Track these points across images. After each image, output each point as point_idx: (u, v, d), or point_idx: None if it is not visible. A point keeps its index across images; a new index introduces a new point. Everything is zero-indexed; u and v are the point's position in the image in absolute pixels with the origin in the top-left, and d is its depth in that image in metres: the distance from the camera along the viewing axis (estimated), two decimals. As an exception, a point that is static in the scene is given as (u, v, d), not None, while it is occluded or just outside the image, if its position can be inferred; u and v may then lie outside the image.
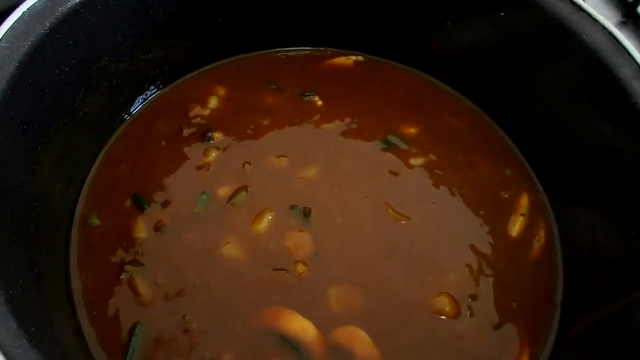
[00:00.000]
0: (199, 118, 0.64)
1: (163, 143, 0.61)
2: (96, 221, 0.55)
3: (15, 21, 0.45)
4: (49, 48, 0.47)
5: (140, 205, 0.56)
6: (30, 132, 0.46)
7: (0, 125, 0.42)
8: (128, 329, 0.47)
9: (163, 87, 0.66)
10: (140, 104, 0.64)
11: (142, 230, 0.54)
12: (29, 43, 0.45)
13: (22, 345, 0.30)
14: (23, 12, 0.46)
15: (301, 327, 0.48)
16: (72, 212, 0.55)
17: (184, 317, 0.48)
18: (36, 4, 0.47)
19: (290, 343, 0.47)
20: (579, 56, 0.54)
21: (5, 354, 0.29)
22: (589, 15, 0.54)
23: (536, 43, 0.58)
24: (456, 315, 0.51)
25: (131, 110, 0.63)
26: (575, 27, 0.54)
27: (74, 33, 0.50)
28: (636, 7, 0.84)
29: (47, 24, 0.47)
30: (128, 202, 0.57)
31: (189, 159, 0.60)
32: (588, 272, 0.52)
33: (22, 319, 0.32)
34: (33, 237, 0.44)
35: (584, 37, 0.53)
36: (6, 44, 0.44)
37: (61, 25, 0.48)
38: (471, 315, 0.51)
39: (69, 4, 0.49)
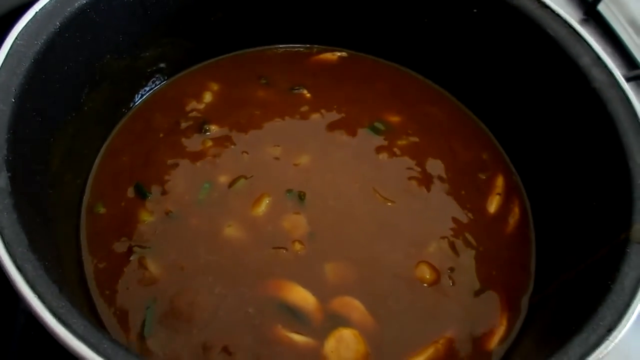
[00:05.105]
0: (195, 112, 0.67)
1: (161, 135, 0.65)
2: (102, 209, 0.59)
3: (29, 20, 0.48)
4: (59, 46, 0.50)
5: (142, 194, 0.59)
6: (44, 124, 0.49)
7: (20, 117, 0.45)
8: (142, 305, 0.51)
9: (160, 84, 0.69)
10: (139, 99, 0.68)
11: (146, 216, 0.58)
12: (42, 41, 0.48)
13: (65, 306, 0.33)
14: (36, 12, 0.49)
15: (302, 297, 0.52)
16: (80, 201, 0.58)
17: (200, 287, 0.52)
18: (46, 5, 0.50)
19: (292, 311, 0.52)
20: (544, 48, 0.60)
21: (53, 313, 0.32)
22: (552, 10, 0.60)
23: (505, 37, 0.64)
24: (436, 281, 0.56)
25: (131, 106, 0.67)
26: (539, 22, 0.60)
27: (80, 32, 0.53)
28: (596, 5, 0.91)
29: (57, 23, 0.50)
30: (131, 192, 0.60)
31: (188, 149, 0.63)
32: (557, 242, 0.58)
33: (60, 286, 0.35)
34: (53, 222, 0.47)
35: (547, 30, 0.59)
36: (21, 42, 0.47)
37: (70, 24, 0.51)
38: (453, 283, 0.56)
39: (76, 4, 0.52)
